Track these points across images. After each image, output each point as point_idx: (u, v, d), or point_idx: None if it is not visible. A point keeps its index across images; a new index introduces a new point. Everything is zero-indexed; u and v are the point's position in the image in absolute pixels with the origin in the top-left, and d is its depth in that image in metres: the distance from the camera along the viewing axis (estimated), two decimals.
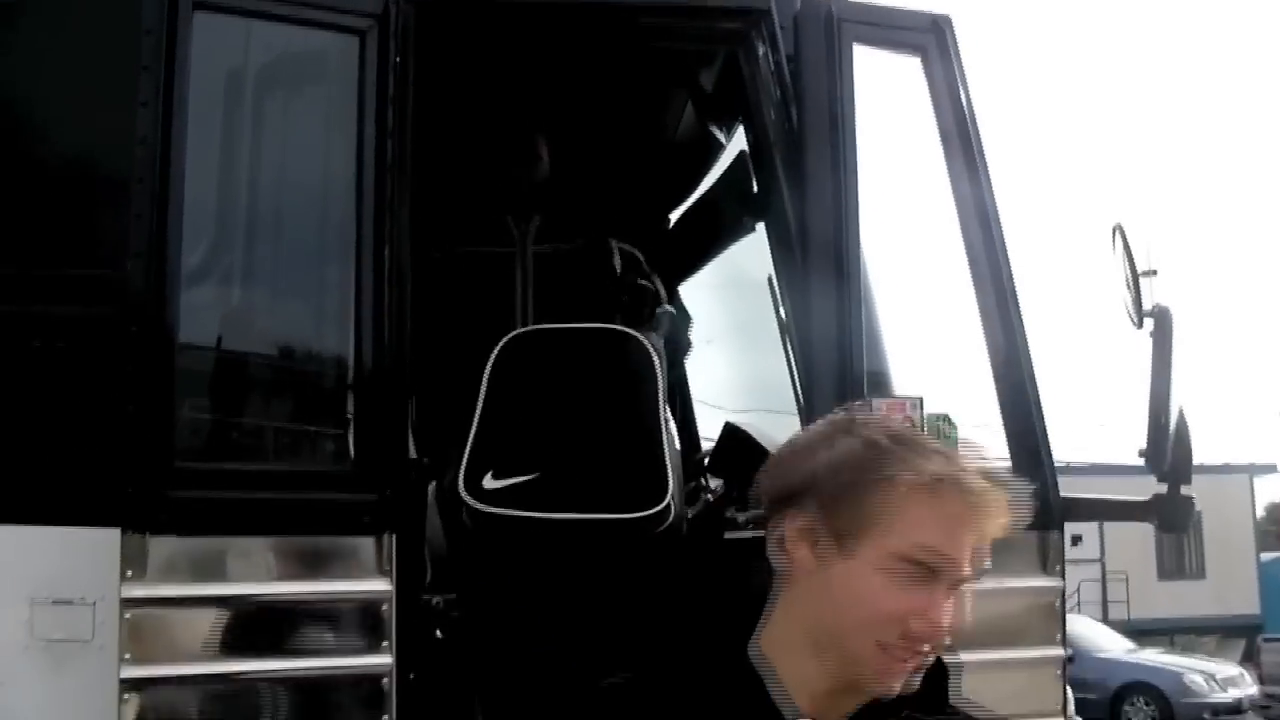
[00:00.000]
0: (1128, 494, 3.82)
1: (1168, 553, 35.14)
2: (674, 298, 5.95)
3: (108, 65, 3.32)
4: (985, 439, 3.67)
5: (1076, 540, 31.82)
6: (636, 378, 3.73)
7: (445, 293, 4.39)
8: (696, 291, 5.84)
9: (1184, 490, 3.65)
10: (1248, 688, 23.20)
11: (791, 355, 4.26)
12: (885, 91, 3.69)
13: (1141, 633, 29.29)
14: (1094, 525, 29.57)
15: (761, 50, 3.64)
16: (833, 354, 3.47)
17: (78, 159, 3.37)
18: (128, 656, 3.01)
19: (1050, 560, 3.56)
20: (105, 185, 3.31)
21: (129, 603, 3.02)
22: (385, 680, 3.19)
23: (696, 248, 5.32)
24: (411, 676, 3.27)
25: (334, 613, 3.20)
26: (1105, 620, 29.57)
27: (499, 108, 4.55)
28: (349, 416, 3.32)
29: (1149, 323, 3.60)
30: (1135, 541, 31.33)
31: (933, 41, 3.67)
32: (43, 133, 3.38)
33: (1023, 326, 3.60)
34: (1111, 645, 24.02)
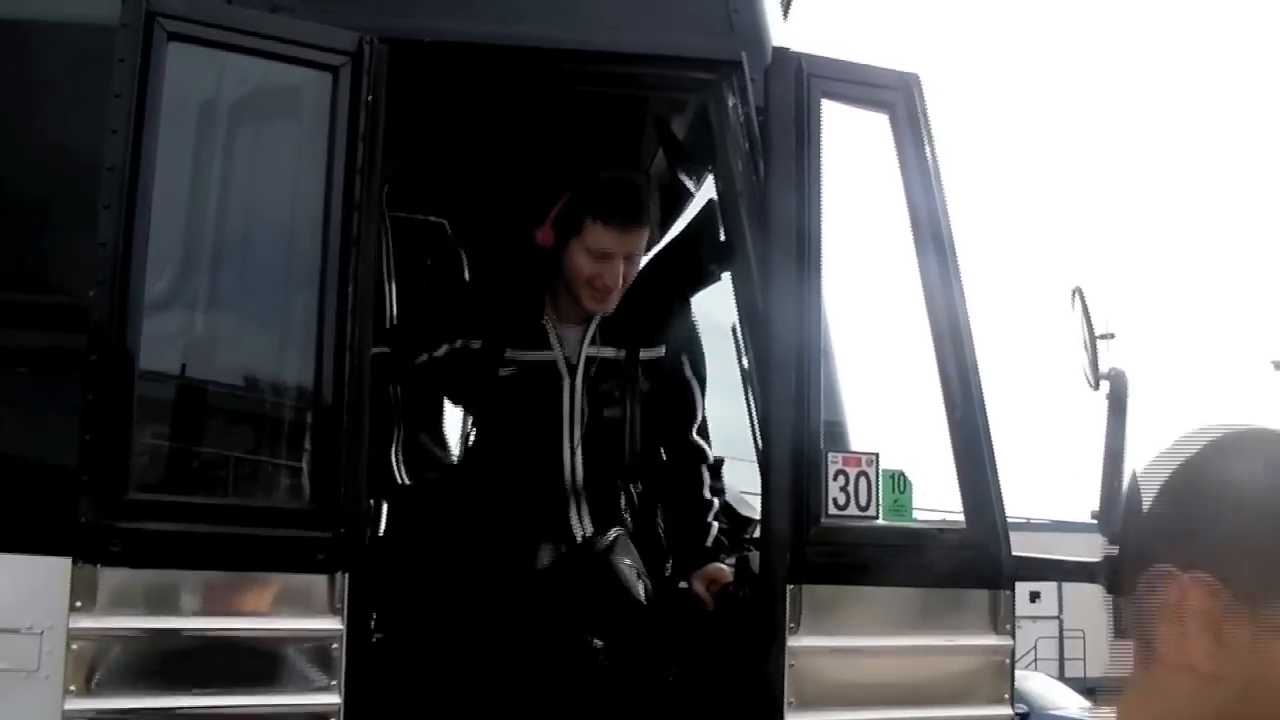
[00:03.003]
0: (1089, 552, 3.84)
1: None
2: None
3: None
4: (939, 496, 3.70)
5: (1035, 597, 31.98)
6: None
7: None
8: None
9: None
10: None
11: (752, 405, 4.28)
12: (852, 146, 3.72)
13: (1098, 691, 29.34)
14: (1052, 582, 29.64)
15: (731, 101, 3.67)
16: (790, 406, 3.48)
17: (43, 185, 3.38)
18: (73, 688, 2.98)
19: (1000, 619, 3.57)
20: (71, 212, 3.32)
21: (76, 634, 2.99)
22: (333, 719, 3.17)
23: (665, 293, 5.33)
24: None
25: (284, 650, 3.18)
26: (1062, 678, 29.61)
27: (470, 150, 4.58)
28: (306, 453, 3.31)
29: (1105, 385, 3.63)
30: (1093, 599, 31.35)
31: (901, 99, 3.71)
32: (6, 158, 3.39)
33: (980, 385, 3.62)
34: (1067, 702, 24.07)
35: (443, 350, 3.95)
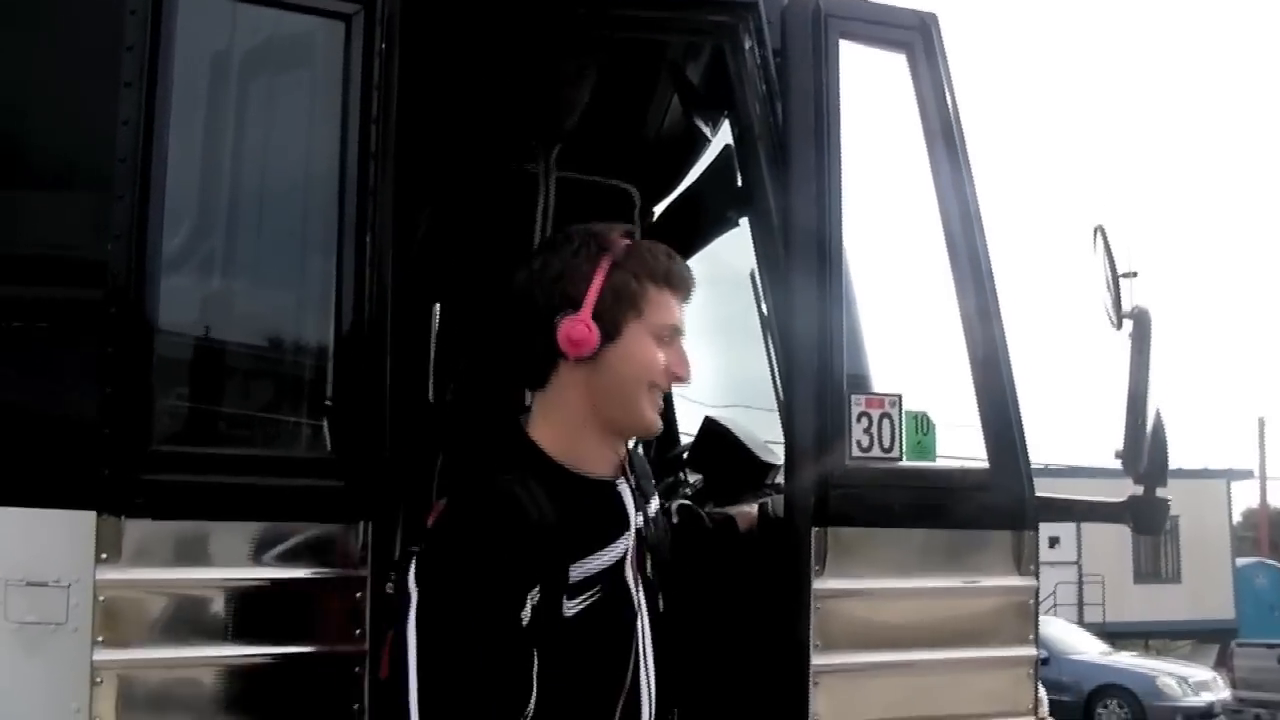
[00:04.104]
0: (1105, 496, 3.84)
1: (1144, 556, 35.32)
2: None
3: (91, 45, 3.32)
4: (963, 437, 3.69)
5: (1054, 542, 31.94)
6: None
7: None
8: None
9: (1159, 493, 3.67)
10: (1221, 692, 23.36)
11: (772, 351, 4.27)
12: (870, 87, 3.70)
13: (1116, 635, 29.47)
14: (1071, 527, 29.71)
15: (748, 44, 3.64)
16: (813, 350, 3.48)
17: (59, 138, 3.37)
18: (101, 640, 3.00)
19: (1024, 560, 3.58)
20: (87, 166, 3.31)
21: (104, 585, 3.01)
22: (358, 668, 3.18)
23: (680, 241, 5.32)
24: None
25: (309, 599, 3.19)
26: (1081, 622, 29.72)
27: (484, 99, 4.55)
28: (327, 403, 3.31)
29: (1128, 324, 3.61)
30: (1112, 544, 31.50)
31: (918, 39, 3.68)
32: (23, 112, 3.38)
33: (1002, 326, 3.61)
34: (1086, 647, 24.16)
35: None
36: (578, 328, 2.68)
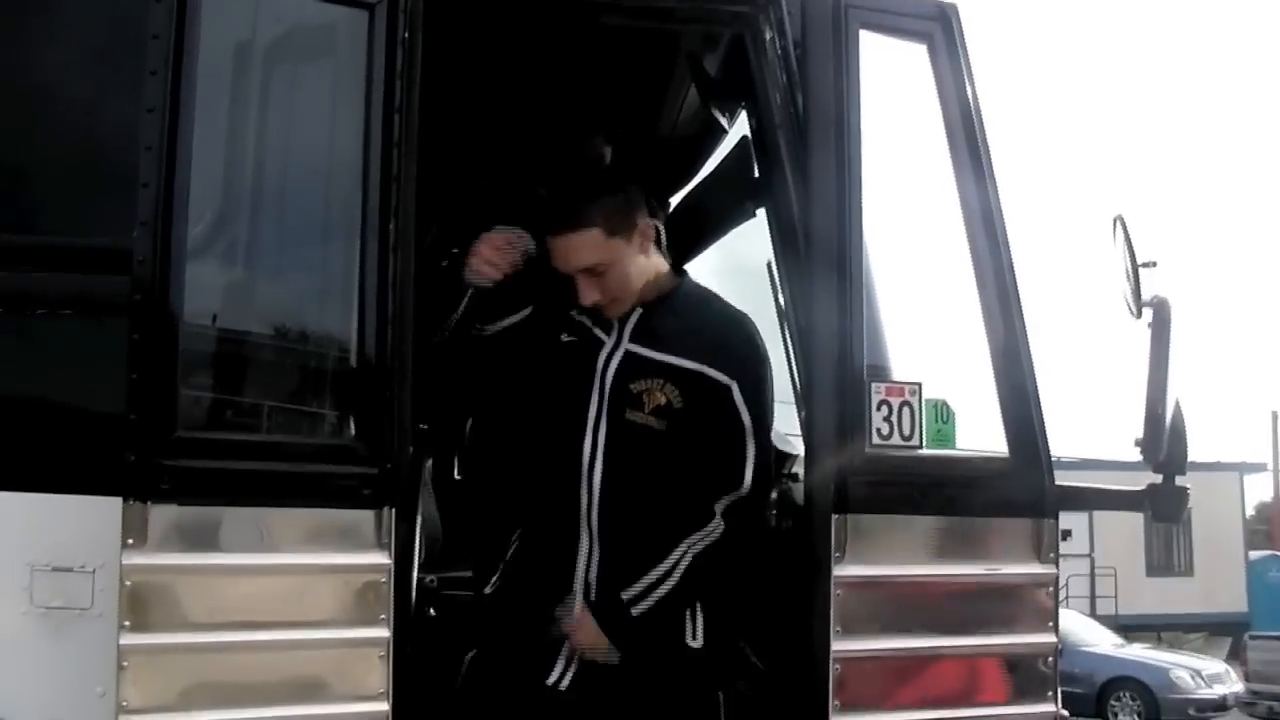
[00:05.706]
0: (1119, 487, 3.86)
1: (1156, 549, 35.21)
2: None
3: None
4: (983, 427, 3.70)
5: (1066, 534, 31.65)
6: None
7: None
8: (695, 277, 5.84)
9: (1179, 481, 3.68)
10: (1233, 684, 23.29)
11: (789, 342, 4.28)
12: (890, 78, 3.70)
13: (1129, 628, 29.38)
14: (1084, 520, 29.61)
15: (768, 35, 3.65)
16: (833, 341, 3.49)
17: (85, 128, 3.39)
18: (127, 624, 3.03)
19: (1044, 548, 3.59)
20: (113, 154, 3.32)
21: (129, 570, 3.03)
22: (381, 653, 3.21)
23: (696, 232, 5.33)
24: (408, 650, 3.30)
25: (332, 584, 3.22)
26: (1093, 615, 29.62)
27: (505, 87, 4.56)
28: (351, 390, 3.33)
29: (1147, 313, 3.62)
30: (1124, 537, 31.41)
31: (939, 30, 3.69)
32: (49, 101, 3.39)
33: (1022, 316, 3.62)
34: (1099, 640, 24.09)
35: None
36: None
